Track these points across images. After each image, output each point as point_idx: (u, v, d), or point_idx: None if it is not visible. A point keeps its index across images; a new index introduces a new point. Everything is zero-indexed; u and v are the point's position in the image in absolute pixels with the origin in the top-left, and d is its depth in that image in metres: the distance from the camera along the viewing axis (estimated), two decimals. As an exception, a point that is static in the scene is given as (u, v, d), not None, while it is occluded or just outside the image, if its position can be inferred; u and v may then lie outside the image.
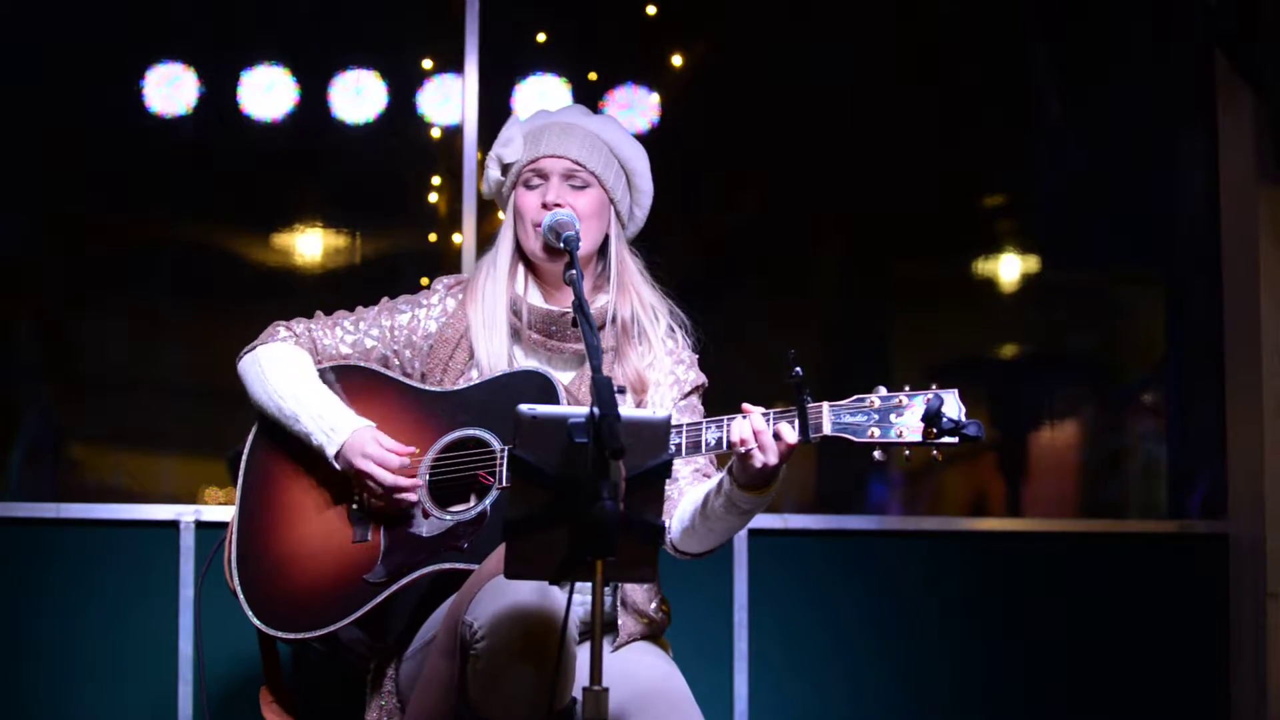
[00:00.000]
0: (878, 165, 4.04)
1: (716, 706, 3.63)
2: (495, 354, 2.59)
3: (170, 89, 3.79)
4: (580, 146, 2.65)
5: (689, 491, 2.52)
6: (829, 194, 4.05)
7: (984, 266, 4.13)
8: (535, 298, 2.67)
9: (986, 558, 3.83)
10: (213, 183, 3.83)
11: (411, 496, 2.49)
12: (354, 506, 2.54)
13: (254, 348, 2.64)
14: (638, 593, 2.57)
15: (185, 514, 3.49)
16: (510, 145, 2.67)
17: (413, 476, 2.49)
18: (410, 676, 2.43)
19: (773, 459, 2.30)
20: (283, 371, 2.58)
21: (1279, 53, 3.74)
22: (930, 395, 2.28)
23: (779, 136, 4.00)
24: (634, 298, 2.67)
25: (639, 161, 2.72)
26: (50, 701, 3.44)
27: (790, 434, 2.30)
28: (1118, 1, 4.11)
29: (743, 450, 2.31)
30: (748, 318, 3.96)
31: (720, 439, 2.34)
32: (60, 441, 3.79)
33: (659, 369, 2.64)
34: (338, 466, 2.51)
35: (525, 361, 2.63)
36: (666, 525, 2.53)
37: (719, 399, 2.63)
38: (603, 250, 2.69)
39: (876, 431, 2.30)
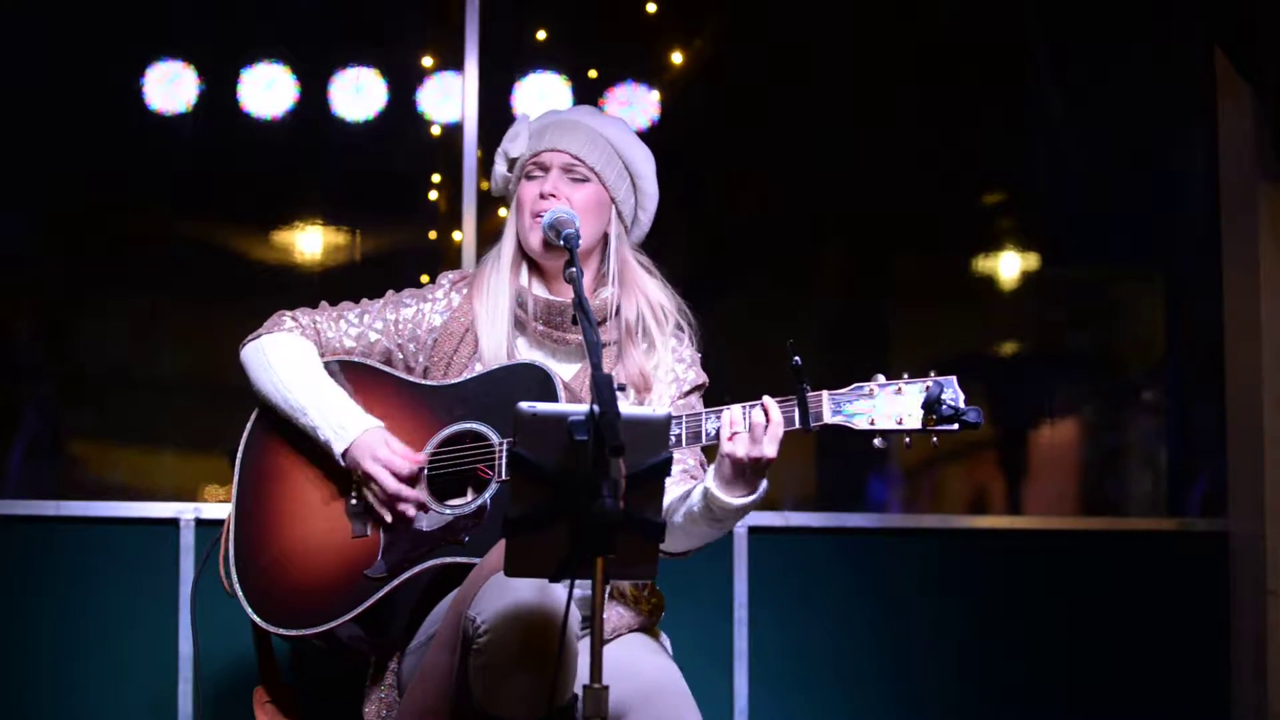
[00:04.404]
0: (878, 164, 4.04)
1: (716, 705, 3.63)
2: (498, 345, 2.60)
3: (170, 86, 3.79)
4: (581, 142, 2.66)
5: (671, 489, 2.52)
6: (829, 193, 4.05)
7: (984, 264, 4.13)
8: (539, 290, 2.67)
9: (986, 555, 3.83)
10: (212, 180, 3.82)
11: (410, 510, 2.48)
12: (352, 501, 2.54)
13: (259, 336, 2.64)
14: (626, 584, 2.57)
15: (185, 512, 3.49)
16: (516, 141, 2.69)
17: (415, 487, 2.49)
18: (413, 671, 2.43)
19: (766, 449, 2.32)
20: (289, 363, 2.58)
21: (1279, 53, 3.74)
22: (930, 382, 2.31)
23: (779, 135, 4.00)
24: (639, 297, 2.67)
25: (644, 165, 2.73)
26: (50, 699, 3.44)
27: (774, 410, 2.31)
28: (1118, 1, 4.11)
29: (729, 433, 2.32)
30: (748, 316, 3.97)
31: (720, 429, 2.36)
32: (60, 439, 3.79)
33: (663, 367, 2.65)
34: (343, 464, 2.51)
35: (529, 353, 2.63)
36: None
37: (719, 398, 2.63)
38: (604, 247, 2.70)
39: (877, 419, 2.31)
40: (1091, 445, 4.15)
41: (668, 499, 2.51)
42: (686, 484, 2.52)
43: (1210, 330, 3.98)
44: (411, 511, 2.49)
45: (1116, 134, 4.12)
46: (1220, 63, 3.94)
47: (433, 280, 2.76)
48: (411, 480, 2.49)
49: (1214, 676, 3.86)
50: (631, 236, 2.74)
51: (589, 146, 2.66)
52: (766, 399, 2.35)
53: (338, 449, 2.50)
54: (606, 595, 2.52)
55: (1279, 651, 3.74)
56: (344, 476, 2.55)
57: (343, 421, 2.51)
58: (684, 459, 2.60)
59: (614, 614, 2.54)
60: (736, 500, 2.38)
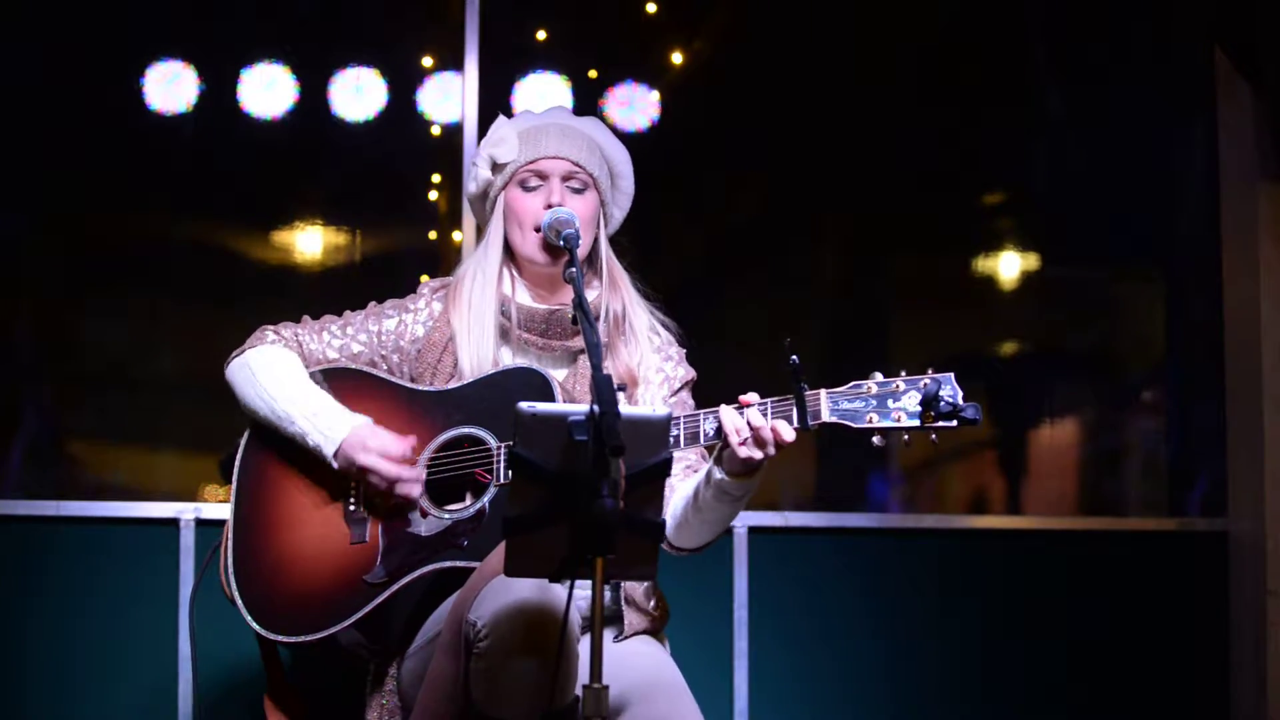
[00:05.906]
0: (878, 164, 4.04)
1: (716, 705, 3.62)
2: (481, 358, 2.58)
3: (170, 87, 3.79)
4: (580, 149, 2.65)
5: (679, 488, 2.53)
6: (829, 192, 4.05)
7: (984, 264, 4.13)
8: (525, 298, 2.66)
9: (987, 556, 3.82)
10: (213, 181, 3.83)
11: (415, 489, 2.48)
12: (350, 508, 2.54)
13: (242, 352, 2.64)
14: (638, 590, 2.58)
15: (185, 512, 3.49)
16: (504, 145, 2.66)
17: (414, 466, 2.48)
18: (413, 675, 2.44)
19: (771, 451, 2.32)
20: (273, 373, 2.57)
21: (1279, 52, 3.74)
22: (928, 379, 2.30)
23: (779, 135, 4.00)
24: (624, 294, 2.68)
25: (625, 165, 2.74)
26: (50, 700, 3.44)
27: (788, 432, 2.30)
28: (1118, 1, 4.11)
29: (738, 440, 2.31)
30: (748, 316, 3.97)
31: (719, 429, 2.35)
32: (60, 439, 3.79)
33: (647, 365, 2.65)
34: (336, 465, 2.49)
35: (514, 362, 2.62)
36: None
37: (718, 397, 2.63)
38: (591, 249, 2.69)
39: (875, 417, 2.32)
40: (1091, 445, 4.14)
41: (678, 497, 2.51)
42: (691, 479, 2.52)
43: (1210, 330, 3.97)
44: (416, 490, 2.47)
45: (1116, 134, 4.12)
46: (1220, 63, 3.94)
47: (419, 287, 2.75)
48: (408, 462, 2.47)
49: (1214, 676, 3.86)
50: (605, 232, 2.73)
51: (587, 153, 2.66)
52: (753, 413, 2.33)
53: (328, 451, 2.49)
54: (624, 602, 2.54)
55: (1279, 652, 3.74)
56: (341, 481, 2.55)
57: (330, 424, 2.50)
58: (685, 455, 2.60)
59: (633, 616, 2.54)
60: (748, 481, 2.39)
